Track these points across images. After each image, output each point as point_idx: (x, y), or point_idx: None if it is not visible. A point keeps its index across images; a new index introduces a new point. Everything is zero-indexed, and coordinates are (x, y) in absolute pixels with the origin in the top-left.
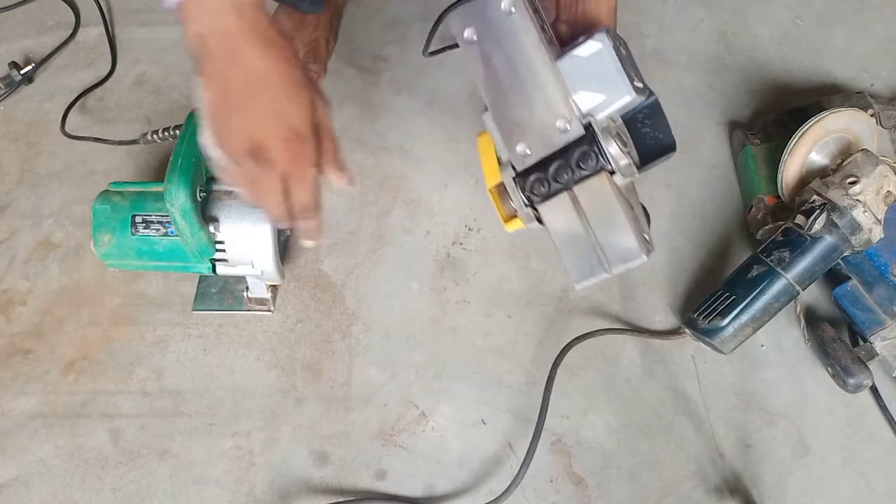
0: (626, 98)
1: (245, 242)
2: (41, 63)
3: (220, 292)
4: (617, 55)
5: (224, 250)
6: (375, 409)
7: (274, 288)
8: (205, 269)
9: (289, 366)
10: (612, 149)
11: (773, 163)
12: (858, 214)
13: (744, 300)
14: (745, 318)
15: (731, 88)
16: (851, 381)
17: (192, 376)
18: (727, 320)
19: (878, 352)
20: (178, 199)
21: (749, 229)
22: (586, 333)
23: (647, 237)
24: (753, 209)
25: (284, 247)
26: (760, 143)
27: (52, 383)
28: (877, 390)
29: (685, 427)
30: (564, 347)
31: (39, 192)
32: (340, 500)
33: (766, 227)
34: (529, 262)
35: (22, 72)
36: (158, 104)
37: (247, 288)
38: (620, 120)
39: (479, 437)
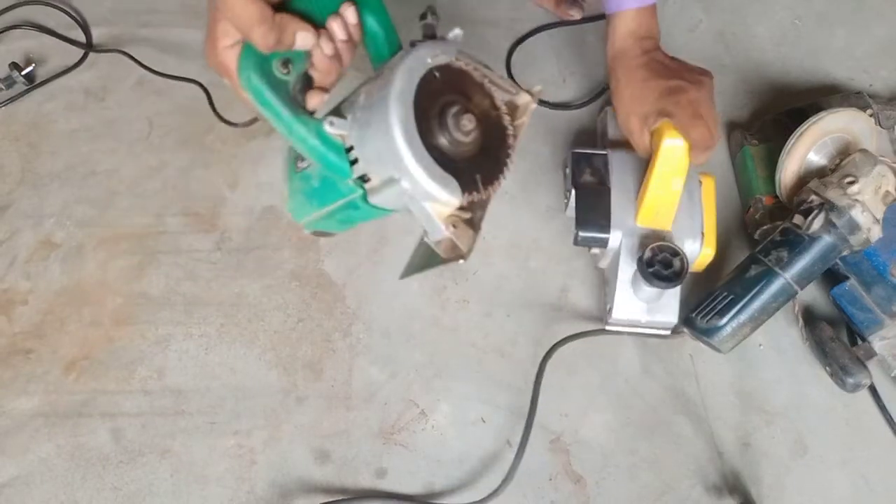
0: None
1: (371, 136)
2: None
3: (426, 251)
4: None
5: (358, 160)
6: (376, 407)
7: (467, 225)
8: (359, 199)
9: (290, 365)
10: None
11: (772, 163)
12: (857, 214)
13: (742, 300)
14: (743, 317)
15: (729, 89)
16: (850, 380)
17: (193, 375)
18: (725, 320)
19: (877, 351)
20: (243, 74)
21: (747, 229)
22: (583, 332)
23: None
24: (751, 209)
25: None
26: (759, 144)
27: (54, 383)
28: (875, 390)
29: (684, 426)
30: (556, 344)
31: (40, 193)
32: (341, 498)
33: (765, 227)
34: (529, 262)
35: (23, 72)
36: (160, 104)
37: (425, 233)
38: None
39: (479, 435)
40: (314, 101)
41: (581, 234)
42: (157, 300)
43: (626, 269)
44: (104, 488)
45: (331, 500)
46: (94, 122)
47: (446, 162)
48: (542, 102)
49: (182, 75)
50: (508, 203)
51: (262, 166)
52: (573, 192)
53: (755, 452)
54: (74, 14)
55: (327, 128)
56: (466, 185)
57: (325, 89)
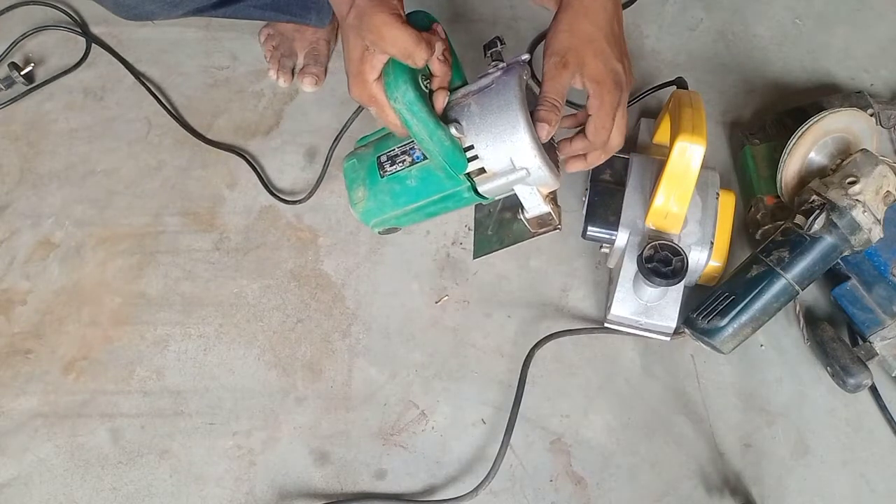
0: None
1: (496, 135)
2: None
3: (497, 232)
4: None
5: (477, 156)
6: (375, 408)
7: (554, 203)
8: (465, 190)
9: (289, 365)
10: None
11: (773, 163)
12: (858, 214)
13: (743, 300)
14: (744, 318)
15: (730, 88)
16: (851, 380)
17: (192, 376)
18: (726, 320)
19: (878, 351)
20: (398, 90)
21: (748, 229)
22: (578, 329)
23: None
24: (753, 209)
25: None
26: (760, 143)
27: (53, 383)
28: (876, 390)
29: (685, 426)
30: (548, 336)
31: (40, 192)
32: (340, 499)
33: (766, 227)
34: (529, 262)
35: (22, 72)
36: (158, 104)
37: (522, 208)
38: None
39: (479, 436)
40: (439, 101)
41: (589, 227)
42: (156, 300)
43: (629, 268)
44: (103, 489)
45: (330, 501)
46: (93, 121)
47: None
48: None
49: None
50: None
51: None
52: (588, 188)
53: (756, 453)
54: (74, 14)
55: (454, 132)
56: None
57: (446, 89)
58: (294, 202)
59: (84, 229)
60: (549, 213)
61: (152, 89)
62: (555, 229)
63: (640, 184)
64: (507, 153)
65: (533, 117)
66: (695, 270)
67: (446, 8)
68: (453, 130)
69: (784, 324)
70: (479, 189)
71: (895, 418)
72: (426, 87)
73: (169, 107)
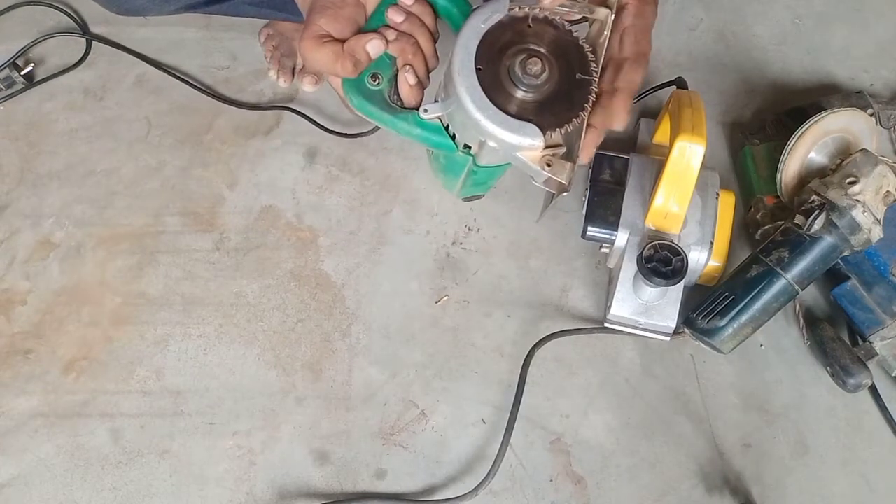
0: None
1: (453, 111)
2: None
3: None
4: None
5: (454, 134)
6: (375, 408)
7: (563, 156)
8: (474, 163)
9: (289, 365)
10: None
11: (773, 163)
12: (858, 214)
13: (743, 300)
14: (744, 317)
15: (730, 88)
16: (851, 380)
17: (192, 376)
18: (726, 320)
19: (878, 351)
20: (348, 98)
21: (748, 229)
22: (578, 329)
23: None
24: (752, 209)
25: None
26: (760, 144)
27: (53, 383)
28: (876, 390)
29: (684, 426)
30: (548, 336)
31: (40, 192)
32: (340, 499)
33: (766, 227)
34: (529, 262)
35: (22, 72)
36: (158, 104)
37: (532, 179)
38: None
39: (479, 435)
40: (404, 84)
41: (589, 227)
42: (156, 300)
43: (629, 268)
44: (103, 489)
45: (330, 501)
46: (93, 121)
47: (527, 108)
48: None
49: (182, 73)
50: (508, 203)
51: (260, 166)
52: (588, 188)
53: (756, 453)
54: (74, 14)
55: (422, 115)
56: (552, 123)
57: (409, 65)
58: (354, 135)
59: (84, 229)
60: (550, 178)
61: (179, 75)
62: (563, 191)
63: (640, 184)
64: (468, 127)
65: None
66: (694, 270)
67: None
68: (422, 113)
69: (784, 324)
70: (479, 162)
71: (895, 418)
72: (377, 85)
73: (202, 87)
